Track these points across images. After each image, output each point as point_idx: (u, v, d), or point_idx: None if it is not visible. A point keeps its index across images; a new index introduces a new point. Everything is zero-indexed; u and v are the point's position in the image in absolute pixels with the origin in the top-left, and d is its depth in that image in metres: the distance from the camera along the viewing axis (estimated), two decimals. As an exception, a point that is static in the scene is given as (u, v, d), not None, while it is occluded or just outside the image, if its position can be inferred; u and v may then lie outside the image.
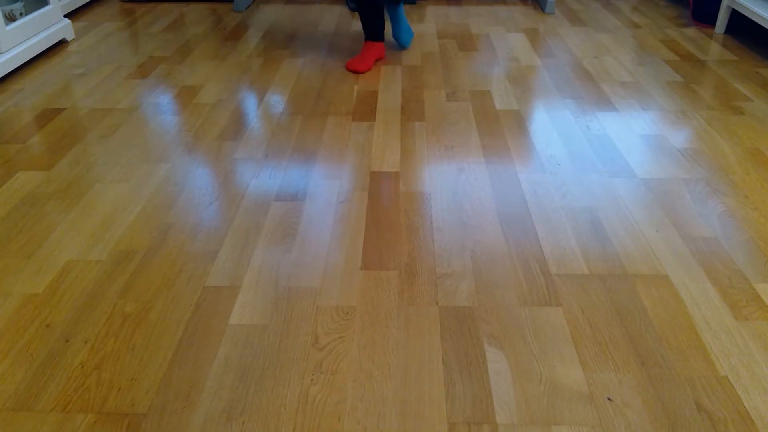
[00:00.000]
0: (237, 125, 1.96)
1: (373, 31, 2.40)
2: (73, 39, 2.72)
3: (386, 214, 1.51)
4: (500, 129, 1.93)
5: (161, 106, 2.09)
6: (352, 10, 3.16)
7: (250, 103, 2.12)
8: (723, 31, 2.77)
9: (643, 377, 1.07)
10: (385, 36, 2.72)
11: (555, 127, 1.94)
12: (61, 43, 2.67)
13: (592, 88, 2.21)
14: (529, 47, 2.63)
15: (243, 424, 0.99)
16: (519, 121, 1.97)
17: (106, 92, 2.20)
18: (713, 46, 2.61)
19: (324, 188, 1.62)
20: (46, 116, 2.02)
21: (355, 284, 1.29)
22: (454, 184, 1.63)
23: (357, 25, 2.92)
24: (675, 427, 0.98)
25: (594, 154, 1.78)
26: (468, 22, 2.97)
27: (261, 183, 1.65)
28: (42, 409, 1.01)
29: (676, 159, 1.75)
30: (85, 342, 1.15)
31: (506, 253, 1.37)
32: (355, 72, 2.38)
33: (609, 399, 1.03)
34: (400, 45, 2.59)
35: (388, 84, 2.26)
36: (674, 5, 3.20)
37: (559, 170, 1.70)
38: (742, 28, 2.79)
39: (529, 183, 1.64)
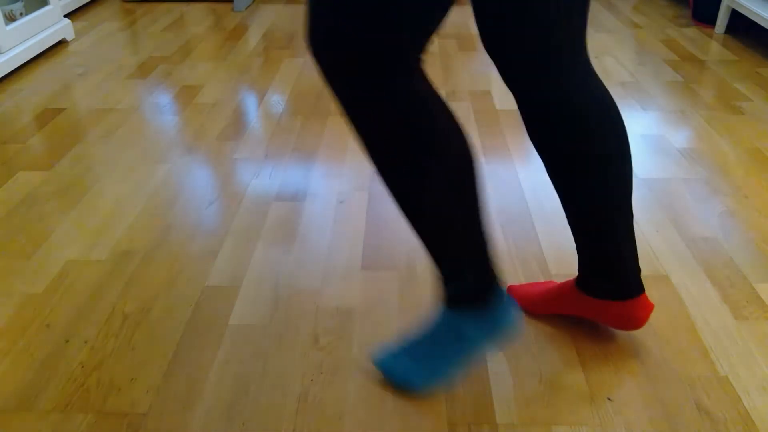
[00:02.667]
0: (237, 125, 1.96)
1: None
2: (73, 39, 2.72)
3: (386, 214, 1.51)
4: (500, 129, 1.93)
5: (161, 106, 2.09)
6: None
7: (250, 103, 2.12)
8: (723, 31, 2.77)
9: (643, 377, 1.07)
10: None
11: (555, 127, 1.94)
12: (61, 43, 2.67)
13: (592, 88, 2.21)
14: (529, 47, 2.62)
15: (243, 424, 0.99)
16: (519, 121, 1.97)
17: (106, 92, 2.20)
18: (713, 46, 2.61)
19: (324, 188, 1.62)
20: (46, 116, 2.02)
21: (355, 284, 1.29)
22: (454, 184, 1.63)
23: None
24: (675, 427, 0.98)
25: (594, 154, 1.78)
26: (468, 22, 2.97)
27: (261, 183, 1.65)
28: (42, 409, 1.01)
29: (676, 159, 1.75)
30: (85, 342, 1.15)
31: (506, 253, 1.37)
32: None
33: (609, 399, 1.03)
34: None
35: (388, 84, 2.26)
36: (674, 5, 3.20)
37: (559, 170, 1.70)
38: (742, 28, 2.79)
39: (529, 183, 1.64)
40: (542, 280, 1.29)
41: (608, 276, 1.03)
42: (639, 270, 1.04)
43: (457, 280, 0.92)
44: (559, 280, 1.29)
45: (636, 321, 1.06)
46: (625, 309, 1.05)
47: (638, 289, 1.04)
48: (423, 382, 1.01)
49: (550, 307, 1.16)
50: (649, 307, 1.05)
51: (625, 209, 0.99)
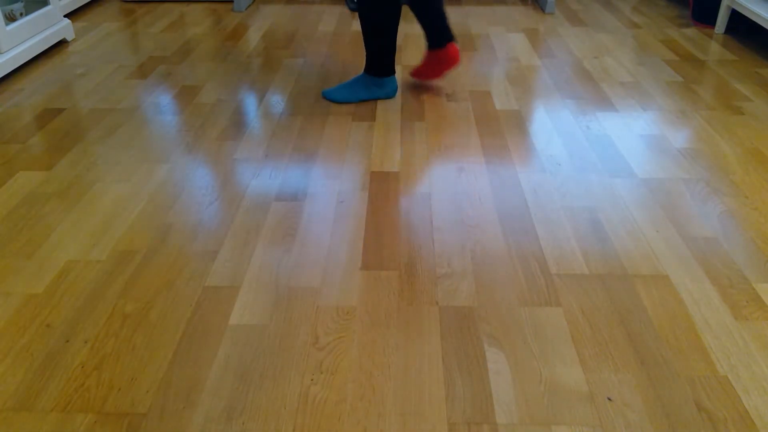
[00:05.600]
0: (237, 125, 1.96)
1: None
2: (73, 39, 2.72)
3: (386, 214, 1.51)
4: (500, 129, 1.93)
5: (161, 106, 2.09)
6: (352, 10, 3.16)
7: (250, 103, 2.12)
8: (723, 31, 2.77)
9: (643, 377, 1.07)
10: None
11: (555, 127, 1.94)
12: (61, 43, 2.67)
13: (592, 88, 2.21)
14: (529, 47, 2.63)
15: (243, 424, 0.99)
16: (519, 121, 1.97)
17: (106, 92, 2.20)
18: (713, 46, 2.61)
19: (324, 188, 1.62)
20: (46, 116, 2.02)
21: (355, 284, 1.29)
22: (454, 184, 1.63)
23: (357, 25, 2.92)
24: (675, 427, 0.98)
25: (594, 154, 1.78)
26: (468, 22, 2.97)
27: (261, 183, 1.65)
28: (42, 409, 1.01)
29: (676, 159, 1.75)
30: (85, 342, 1.15)
31: (506, 253, 1.37)
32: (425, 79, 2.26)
33: (609, 399, 1.03)
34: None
35: (388, 84, 2.26)
36: (674, 5, 3.20)
37: (559, 170, 1.70)
38: (742, 28, 2.79)
39: (529, 183, 1.64)
40: (542, 280, 1.29)
41: (434, 34, 2.09)
42: (448, 28, 2.08)
43: (377, 61, 2.05)
44: (560, 280, 1.29)
45: (454, 59, 2.11)
46: (448, 50, 2.09)
47: (450, 37, 2.09)
48: (342, 98, 2.11)
49: (424, 72, 2.21)
50: (456, 48, 2.10)
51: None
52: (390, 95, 2.13)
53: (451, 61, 2.12)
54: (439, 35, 2.08)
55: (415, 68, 2.26)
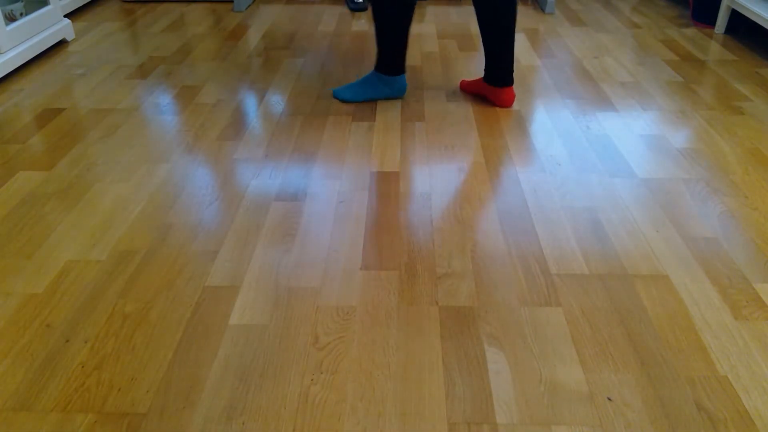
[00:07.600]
0: (237, 125, 1.96)
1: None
2: (73, 39, 2.72)
3: (386, 214, 1.51)
4: (500, 129, 1.93)
5: (161, 106, 2.09)
6: (352, 10, 3.16)
7: (250, 103, 2.12)
8: (723, 31, 2.77)
9: (643, 377, 1.07)
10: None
11: (555, 127, 1.94)
12: (61, 43, 2.67)
13: (592, 88, 2.21)
14: (529, 47, 2.63)
15: (243, 424, 0.99)
16: (519, 121, 1.97)
17: (106, 92, 2.20)
18: (713, 46, 2.61)
19: (324, 188, 1.62)
20: (46, 116, 2.02)
21: (355, 284, 1.29)
22: (454, 184, 1.63)
23: (357, 25, 2.92)
24: (675, 427, 0.98)
25: (594, 154, 1.78)
26: (468, 22, 2.97)
27: (261, 183, 1.65)
28: (42, 409, 1.01)
29: (676, 159, 1.75)
30: (85, 342, 1.15)
31: (506, 253, 1.37)
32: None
33: (609, 399, 1.03)
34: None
35: (388, 84, 2.26)
36: (674, 5, 3.20)
37: (559, 170, 1.70)
38: (742, 28, 2.79)
39: (529, 183, 1.64)
40: (542, 280, 1.29)
41: (494, 71, 2.04)
42: (510, 71, 2.03)
43: (387, 60, 2.04)
44: (560, 280, 1.29)
45: (506, 101, 2.07)
46: (502, 92, 2.05)
47: (509, 82, 2.04)
48: (351, 97, 2.11)
49: (470, 88, 2.17)
50: (512, 94, 2.06)
51: (499, 35, 1.96)
52: (399, 94, 2.13)
53: (499, 104, 2.08)
54: (496, 74, 2.03)
55: (467, 81, 2.19)
